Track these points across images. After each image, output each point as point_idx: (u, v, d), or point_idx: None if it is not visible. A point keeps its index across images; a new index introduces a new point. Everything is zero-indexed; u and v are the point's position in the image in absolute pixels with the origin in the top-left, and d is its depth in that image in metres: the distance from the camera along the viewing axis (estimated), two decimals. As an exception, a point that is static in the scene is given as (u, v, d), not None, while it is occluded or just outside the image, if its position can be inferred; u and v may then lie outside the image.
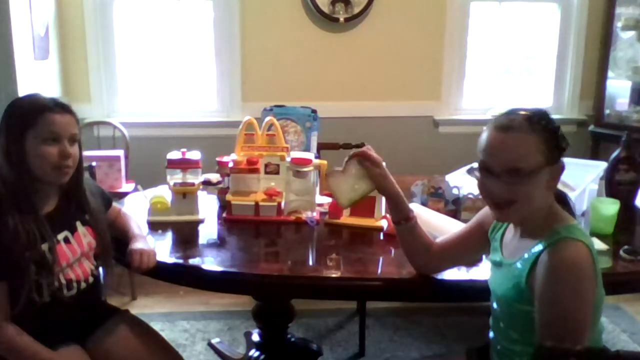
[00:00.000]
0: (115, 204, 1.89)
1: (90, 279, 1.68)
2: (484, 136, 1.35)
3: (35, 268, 1.50)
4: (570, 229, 1.30)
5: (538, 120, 1.30)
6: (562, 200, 1.42)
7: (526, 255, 1.33)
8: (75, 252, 1.63)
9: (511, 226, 1.45)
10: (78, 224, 1.66)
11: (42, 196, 1.59)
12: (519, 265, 1.34)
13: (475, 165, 1.36)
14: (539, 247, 1.30)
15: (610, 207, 1.94)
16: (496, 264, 1.45)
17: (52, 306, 1.56)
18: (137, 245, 1.68)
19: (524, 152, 1.28)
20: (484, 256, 1.65)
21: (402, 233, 1.59)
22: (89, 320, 1.70)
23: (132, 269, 1.64)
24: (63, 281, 1.58)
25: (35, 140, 1.52)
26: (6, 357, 1.51)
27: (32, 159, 1.52)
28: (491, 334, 1.50)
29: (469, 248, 1.59)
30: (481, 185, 1.37)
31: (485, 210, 1.55)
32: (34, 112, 1.53)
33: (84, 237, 1.66)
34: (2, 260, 1.47)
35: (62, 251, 1.59)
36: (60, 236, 1.60)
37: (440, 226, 1.82)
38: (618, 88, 3.84)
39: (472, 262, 1.66)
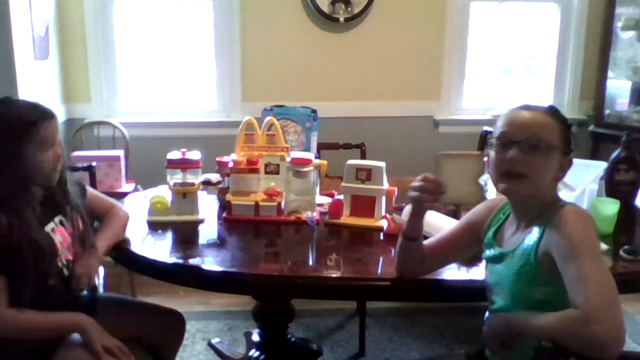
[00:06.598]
0: (114, 201, 1.95)
1: None
2: (506, 113, 1.40)
3: (36, 255, 1.56)
4: (572, 203, 1.36)
5: (557, 112, 1.39)
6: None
7: (532, 235, 1.34)
8: (70, 234, 1.71)
9: (509, 221, 1.45)
10: (68, 209, 1.74)
11: (32, 192, 1.66)
12: (525, 244, 1.35)
13: (492, 140, 1.38)
14: (543, 225, 1.32)
15: (610, 207, 1.93)
16: (495, 259, 1.45)
17: (60, 286, 1.64)
18: (82, 262, 1.70)
19: (545, 128, 1.34)
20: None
21: (406, 246, 1.55)
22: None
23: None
24: (64, 262, 1.66)
25: (34, 150, 1.57)
26: (23, 337, 1.57)
27: (31, 166, 1.58)
28: None
29: (457, 249, 1.59)
30: (497, 156, 1.37)
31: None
32: (28, 124, 1.56)
33: (74, 221, 1.74)
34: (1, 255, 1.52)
35: (61, 232, 1.67)
36: (57, 219, 1.68)
37: (442, 227, 1.80)
38: (618, 88, 3.84)
39: (464, 261, 1.66)
